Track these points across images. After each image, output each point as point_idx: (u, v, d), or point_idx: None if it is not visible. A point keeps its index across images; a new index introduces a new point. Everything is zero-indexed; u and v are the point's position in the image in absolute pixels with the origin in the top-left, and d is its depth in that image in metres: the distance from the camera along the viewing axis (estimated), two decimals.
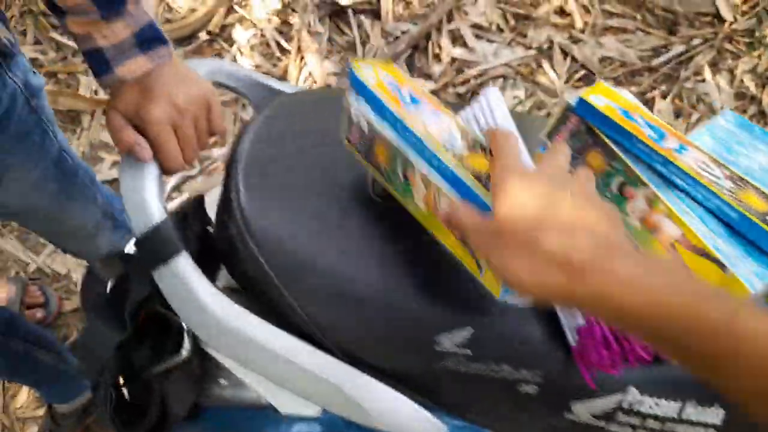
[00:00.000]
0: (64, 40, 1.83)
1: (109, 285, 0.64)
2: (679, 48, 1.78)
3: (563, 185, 0.39)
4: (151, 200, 0.52)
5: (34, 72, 0.74)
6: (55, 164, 0.80)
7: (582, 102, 0.52)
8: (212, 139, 0.60)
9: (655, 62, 1.76)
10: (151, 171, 0.53)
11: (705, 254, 0.46)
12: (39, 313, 1.39)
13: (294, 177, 0.58)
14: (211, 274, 0.61)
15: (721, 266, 0.45)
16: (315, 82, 1.75)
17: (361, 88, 0.51)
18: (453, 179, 0.46)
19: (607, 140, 0.51)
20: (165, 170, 0.55)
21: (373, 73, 0.52)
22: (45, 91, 0.77)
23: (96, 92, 1.73)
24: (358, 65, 0.53)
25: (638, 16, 1.85)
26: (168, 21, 1.85)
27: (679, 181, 0.48)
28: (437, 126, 0.49)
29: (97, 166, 1.62)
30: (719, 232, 0.47)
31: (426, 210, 0.51)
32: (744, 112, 1.70)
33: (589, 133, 0.53)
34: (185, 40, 1.80)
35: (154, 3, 1.89)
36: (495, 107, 0.58)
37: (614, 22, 1.84)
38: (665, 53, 1.78)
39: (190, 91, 0.54)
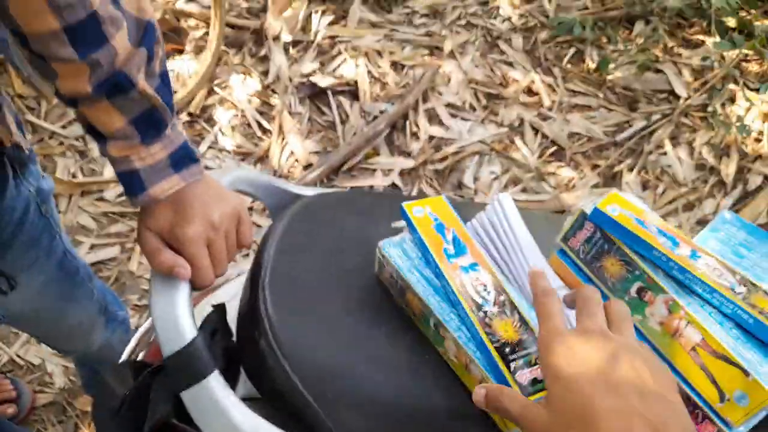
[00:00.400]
0: (40, 122, 1.82)
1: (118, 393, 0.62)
2: (640, 123, 1.90)
3: (607, 348, 0.39)
4: (183, 319, 0.52)
5: (43, 176, 0.74)
6: (59, 266, 0.79)
7: (597, 212, 0.55)
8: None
9: (620, 137, 1.87)
10: (183, 288, 0.54)
11: (727, 359, 0.48)
12: (10, 409, 1.31)
13: (320, 285, 0.59)
14: (232, 384, 0.61)
15: (744, 371, 0.48)
16: (297, 160, 1.78)
17: (414, 234, 0.58)
18: (485, 355, 0.51)
19: (623, 247, 0.54)
20: (195, 286, 0.55)
21: (422, 213, 0.58)
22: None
23: (74, 175, 1.71)
24: (410, 208, 0.58)
25: (600, 95, 1.97)
26: None
27: (696, 288, 0.51)
28: (475, 280, 0.54)
29: (75, 250, 1.59)
30: (739, 337, 0.50)
31: (457, 363, 0.54)
32: (705, 182, 1.81)
33: (605, 239, 0.56)
34: None
35: None
36: (509, 213, 0.61)
37: (579, 100, 1.96)
38: (628, 128, 1.90)
39: (224, 208, 0.55)
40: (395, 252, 0.57)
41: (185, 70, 1.94)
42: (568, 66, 2.04)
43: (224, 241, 0.56)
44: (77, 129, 1.80)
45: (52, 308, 0.83)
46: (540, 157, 1.82)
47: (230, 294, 0.75)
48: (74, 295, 0.86)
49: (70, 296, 0.85)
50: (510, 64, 2.04)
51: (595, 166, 1.83)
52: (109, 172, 1.72)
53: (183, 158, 0.53)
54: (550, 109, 1.93)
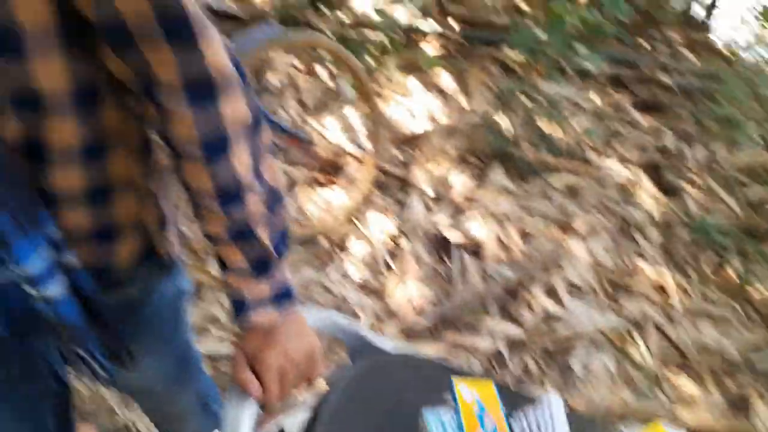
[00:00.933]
0: None
1: None
2: None
3: None
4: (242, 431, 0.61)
5: (186, 278, 0.89)
6: (177, 355, 0.92)
7: None
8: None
9: (756, 360, 1.71)
10: (251, 406, 0.62)
11: None
12: None
13: None
14: None
15: None
16: (412, 305, 1.87)
17: (456, 415, 0.62)
18: None
19: None
20: (261, 405, 0.64)
21: (469, 392, 0.63)
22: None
23: None
24: (458, 386, 0.64)
25: (739, 309, 1.85)
26: (297, 222, 2.12)
27: None
28: None
29: (203, 337, 1.77)
30: None
31: None
32: None
33: None
34: (306, 241, 2.04)
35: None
36: (555, 417, 0.62)
37: (714, 310, 1.85)
38: (766, 352, 1.73)
39: (303, 345, 0.65)
40: (435, 425, 0.61)
41: (335, 200, 2.19)
42: (707, 270, 1.96)
43: (294, 373, 0.64)
44: None
45: (159, 389, 0.95)
46: (660, 362, 1.72)
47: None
48: (183, 381, 0.97)
49: (180, 382, 0.97)
50: (642, 256, 2.01)
51: (722, 386, 1.67)
52: None
53: (283, 297, 0.65)
54: (679, 311, 1.84)
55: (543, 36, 2.44)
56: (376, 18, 3.02)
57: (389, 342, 0.81)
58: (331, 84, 2.80)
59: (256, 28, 1.78)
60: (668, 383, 1.68)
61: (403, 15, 3.22)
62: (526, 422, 0.63)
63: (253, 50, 1.74)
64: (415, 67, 2.94)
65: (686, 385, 1.67)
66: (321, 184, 2.27)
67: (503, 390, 0.65)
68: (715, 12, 4.27)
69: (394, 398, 0.69)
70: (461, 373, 0.68)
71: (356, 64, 1.95)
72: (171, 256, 0.78)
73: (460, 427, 0.60)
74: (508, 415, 0.63)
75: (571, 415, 0.63)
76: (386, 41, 3.04)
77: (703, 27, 4.26)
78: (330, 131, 2.51)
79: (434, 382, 0.70)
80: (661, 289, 1.91)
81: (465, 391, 0.63)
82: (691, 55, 3.76)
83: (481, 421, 0.60)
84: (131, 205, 0.67)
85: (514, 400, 0.65)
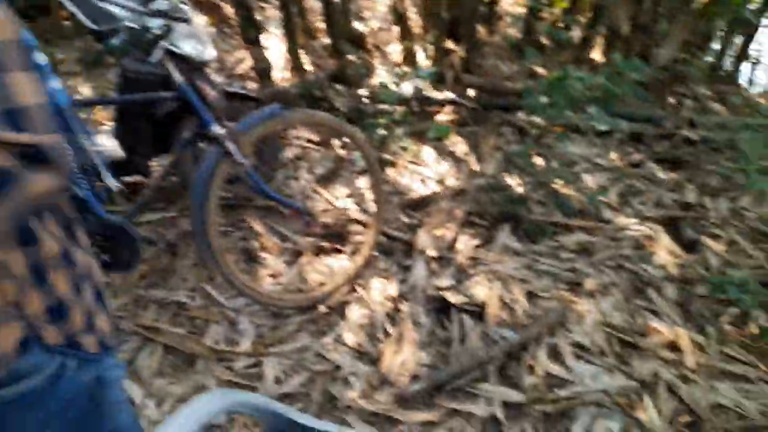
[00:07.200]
0: (215, 292, 2.17)
1: None
2: None
3: None
4: None
5: (118, 364, 0.81)
6: None
7: None
8: None
9: None
10: None
11: None
12: None
13: None
14: None
15: None
16: (406, 369, 1.81)
17: None
18: None
19: None
20: None
21: None
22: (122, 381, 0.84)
23: (216, 342, 1.97)
24: None
25: (762, 366, 1.68)
26: (300, 290, 2.13)
27: None
28: None
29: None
30: None
31: None
32: None
33: None
34: (306, 309, 2.04)
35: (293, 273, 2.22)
36: None
37: (733, 368, 1.70)
38: None
39: None
40: None
41: (339, 267, 2.21)
42: (728, 327, 1.81)
43: None
44: (238, 302, 2.11)
45: None
46: (670, 424, 1.57)
47: None
48: None
49: None
50: (655, 314, 1.89)
51: None
52: (245, 344, 1.94)
53: None
54: (693, 371, 1.70)
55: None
56: (386, 92, 3.14)
57: (309, 419, 0.77)
58: (344, 154, 2.89)
59: (259, 110, 1.89)
60: None
61: (418, 87, 3.34)
62: None
63: (252, 128, 1.85)
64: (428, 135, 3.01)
65: None
66: (326, 252, 2.30)
67: None
68: (745, 64, 4.19)
69: None
70: None
71: (357, 135, 2.02)
72: (78, 347, 0.73)
73: None
74: None
75: None
76: (397, 114, 3.14)
77: (733, 79, 4.17)
78: (339, 200, 2.57)
79: None
80: (675, 348, 1.77)
81: None
82: (721, 108, 3.67)
83: None
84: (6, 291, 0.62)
85: None
